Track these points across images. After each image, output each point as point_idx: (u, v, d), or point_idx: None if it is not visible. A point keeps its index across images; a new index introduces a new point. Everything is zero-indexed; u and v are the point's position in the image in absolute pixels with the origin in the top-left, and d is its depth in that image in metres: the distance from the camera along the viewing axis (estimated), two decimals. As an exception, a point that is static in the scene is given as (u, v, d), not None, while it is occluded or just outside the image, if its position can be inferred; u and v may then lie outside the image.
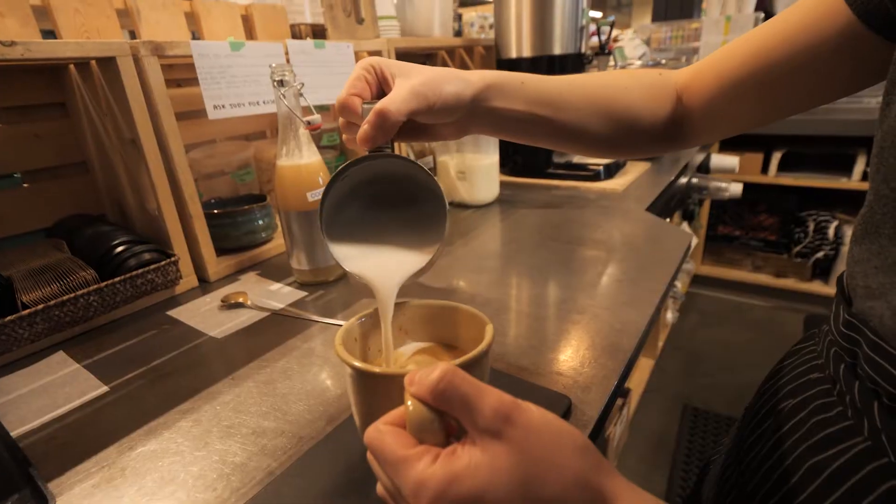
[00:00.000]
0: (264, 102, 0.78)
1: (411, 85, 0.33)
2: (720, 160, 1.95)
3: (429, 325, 0.41)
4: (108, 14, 0.78)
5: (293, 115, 0.65)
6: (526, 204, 1.07)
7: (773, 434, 0.35)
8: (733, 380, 1.88)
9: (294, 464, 0.39)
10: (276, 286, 0.74)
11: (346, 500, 0.35)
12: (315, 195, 0.68)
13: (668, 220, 1.25)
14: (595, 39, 1.35)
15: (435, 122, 0.37)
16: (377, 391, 0.30)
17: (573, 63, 1.20)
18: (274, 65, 0.64)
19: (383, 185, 0.36)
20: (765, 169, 2.20)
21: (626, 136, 0.45)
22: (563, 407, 0.43)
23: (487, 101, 0.38)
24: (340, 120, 0.36)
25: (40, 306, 0.56)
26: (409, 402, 0.23)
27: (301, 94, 0.66)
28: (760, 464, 0.36)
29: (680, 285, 2.10)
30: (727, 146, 2.26)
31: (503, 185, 1.19)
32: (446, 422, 0.23)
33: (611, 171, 1.21)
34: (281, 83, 0.64)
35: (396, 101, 0.32)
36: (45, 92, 0.75)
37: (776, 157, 2.18)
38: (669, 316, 2.04)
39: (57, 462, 0.42)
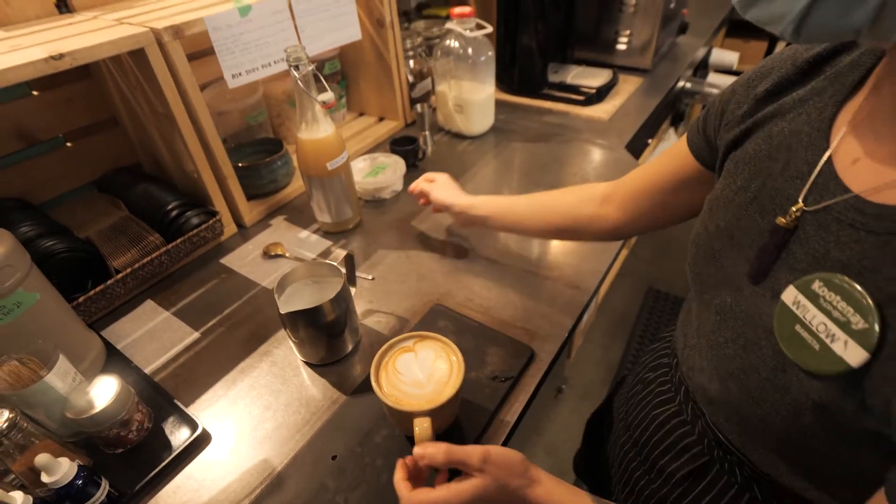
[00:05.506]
0: (275, 63, 0.83)
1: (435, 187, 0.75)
2: (720, 55, 1.93)
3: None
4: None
5: (309, 95, 0.73)
6: (518, 135, 1.16)
7: (638, 390, 0.58)
8: (695, 266, 2.13)
9: (348, 398, 0.60)
10: (304, 233, 0.89)
11: (386, 419, 0.56)
12: (334, 164, 0.79)
13: (649, 140, 1.34)
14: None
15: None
16: (395, 413, 0.50)
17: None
18: (289, 48, 0.70)
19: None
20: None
21: (571, 234, 0.69)
22: (527, 356, 0.62)
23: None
24: None
25: (128, 270, 0.72)
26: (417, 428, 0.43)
27: (315, 74, 0.73)
28: (633, 407, 0.59)
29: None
30: (734, 34, 2.18)
31: (500, 106, 1.25)
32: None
33: (601, 95, 1.26)
34: (297, 67, 0.70)
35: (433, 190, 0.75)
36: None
37: (780, 46, 2.13)
38: (648, 208, 2.21)
39: (186, 393, 0.62)
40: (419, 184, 0.79)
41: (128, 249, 0.75)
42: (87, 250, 0.72)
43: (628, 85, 1.35)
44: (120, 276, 0.71)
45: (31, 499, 0.44)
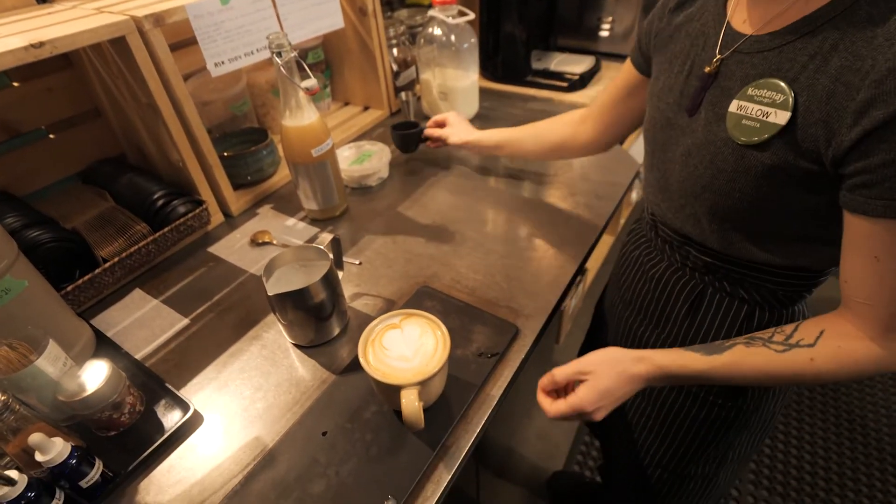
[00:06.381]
0: (258, 51, 0.83)
1: (437, 132, 0.94)
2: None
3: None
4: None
5: (292, 82, 0.73)
6: (502, 122, 1.17)
7: (627, 271, 0.71)
8: (680, 251, 2.16)
9: (337, 377, 0.61)
10: (291, 221, 0.89)
11: (374, 396, 0.58)
12: (319, 150, 0.79)
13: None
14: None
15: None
16: (382, 386, 0.51)
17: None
18: (271, 35, 0.70)
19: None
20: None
21: (560, 152, 0.84)
22: (512, 333, 0.64)
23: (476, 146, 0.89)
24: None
25: (116, 259, 0.72)
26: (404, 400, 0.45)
27: (297, 61, 0.73)
28: (628, 284, 0.71)
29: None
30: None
31: (484, 94, 1.26)
32: None
33: (585, 81, 1.28)
34: (279, 54, 0.71)
35: (433, 133, 0.95)
36: (45, 44, 0.79)
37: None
38: (634, 195, 2.24)
39: (177, 377, 0.63)
40: (434, 133, 0.94)
41: (115, 239, 0.75)
42: (74, 240, 0.72)
43: (611, 71, 1.37)
44: (108, 265, 0.72)
45: (26, 478, 0.45)
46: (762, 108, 0.44)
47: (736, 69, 0.48)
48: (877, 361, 0.44)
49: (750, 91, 0.45)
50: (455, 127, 0.93)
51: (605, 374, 0.52)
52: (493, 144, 0.88)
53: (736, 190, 0.48)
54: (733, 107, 0.47)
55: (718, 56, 0.49)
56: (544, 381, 0.56)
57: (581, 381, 0.53)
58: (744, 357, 0.49)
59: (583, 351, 0.98)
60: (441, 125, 0.95)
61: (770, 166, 0.44)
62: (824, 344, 0.46)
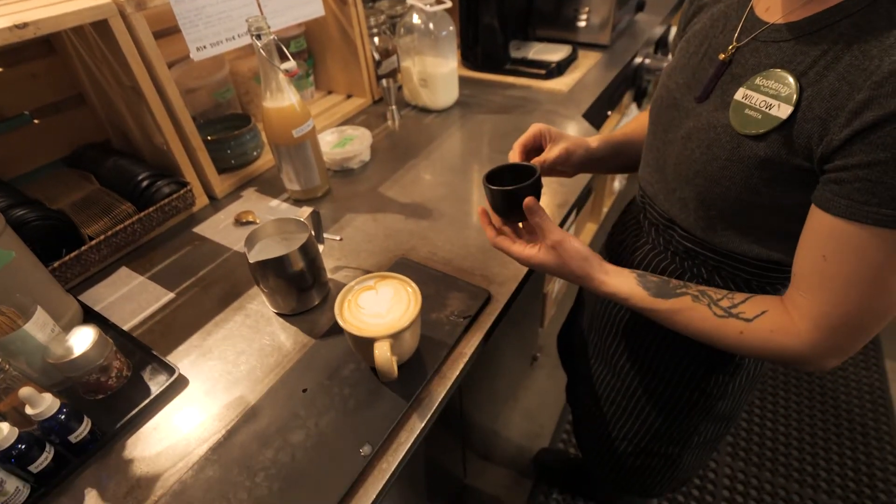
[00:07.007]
0: (239, 36, 0.86)
1: (556, 153, 0.64)
2: (678, 33, 2.00)
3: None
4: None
5: (272, 64, 0.76)
6: (482, 108, 1.20)
7: (612, 253, 0.71)
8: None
9: (318, 341, 0.64)
10: (274, 202, 0.92)
11: (353, 356, 0.61)
12: (299, 131, 0.82)
13: (609, 112, 1.40)
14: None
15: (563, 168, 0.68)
16: (357, 340, 0.54)
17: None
18: (250, 18, 0.73)
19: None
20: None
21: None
22: (485, 297, 0.67)
23: (595, 159, 0.68)
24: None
25: (102, 237, 0.74)
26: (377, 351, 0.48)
27: (277, 44, 0.76)
28: (610, 242, 0.72)
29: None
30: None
31: (464, 82, 1.30)
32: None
33: (561, 69, 1.32)
34: (258, 37, 0.73)
35: (549, 158, 0.64)
36: (29, 30, 0.81)
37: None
38: (616, 185, 2.29)
39: (163, 346, 0.65)
40: (549, 157, 0.64)
41: (100, 218, 0.77)
42: (60, 219, 0.74)
43: (588, 60, 1.41)
44: (93, 242, 0.74)
45: (17, 431, 0.47)
46: (766, 100, 0.43)
47: (750, 57, 0.47)
48: (797, 356, 0.45)
49: (758, 81, 0.45)
50: (564, 139, 0.66)
51: (558, 258, 0.53)
52: (613, 146, 0.69)
53: (726, 178, 0.47)
54: (739, 94, 0.46)
55: (735, 44, 0.48)
56: (527, 203, 0.54)
57: (539, 245, 0.55)
58: (683, 309, 0.50)
59: (562, 332, 1.00)
60: (537, 146, 0.67)
61: (763, 158, 0.44)
62: (760, 324, 0.47)
